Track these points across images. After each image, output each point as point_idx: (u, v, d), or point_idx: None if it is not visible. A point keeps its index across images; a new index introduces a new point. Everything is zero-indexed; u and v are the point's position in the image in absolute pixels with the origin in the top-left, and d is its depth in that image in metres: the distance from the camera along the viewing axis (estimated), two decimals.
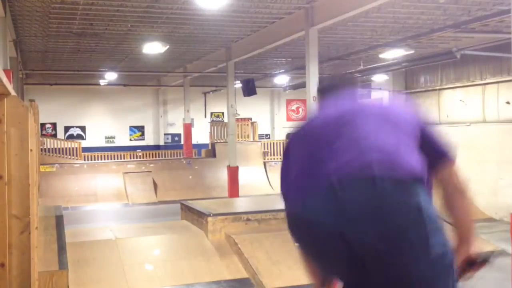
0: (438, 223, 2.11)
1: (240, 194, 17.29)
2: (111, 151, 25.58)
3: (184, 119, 23.73)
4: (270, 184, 21.04)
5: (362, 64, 18.21)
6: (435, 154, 2.23)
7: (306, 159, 2.17)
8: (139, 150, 26.20)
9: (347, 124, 2.13)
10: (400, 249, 1.93)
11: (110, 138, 27.32)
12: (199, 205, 10.96)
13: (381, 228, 1.90)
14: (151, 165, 20.41)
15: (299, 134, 2.48)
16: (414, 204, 1.97)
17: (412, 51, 15.27)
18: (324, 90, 2.60)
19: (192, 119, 25.02)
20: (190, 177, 20.44)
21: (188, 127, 23.59)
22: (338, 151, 2.03)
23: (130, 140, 27.74)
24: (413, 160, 2.07)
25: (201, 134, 27.49)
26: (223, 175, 19.66)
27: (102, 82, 24.38)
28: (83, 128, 26.87)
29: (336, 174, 1.97)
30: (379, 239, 1.91)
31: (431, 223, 2.04)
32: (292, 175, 2.23)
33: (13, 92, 3.47)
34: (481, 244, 10.82)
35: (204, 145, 25.83)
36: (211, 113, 28.84)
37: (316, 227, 2.02)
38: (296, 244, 2.42)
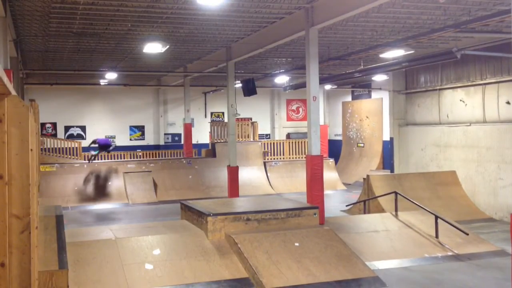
0: None
1: (240, 194, 17.29)
2: (111, 151, 25.53)
3: (184, 119, 23.73)
4: (270, 184, 21.04)
5: (362, 64, 18.21)
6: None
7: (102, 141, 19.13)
8: (139, 150, 26.20)
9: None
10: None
11: (110, 138, 27.28)
12: (199, 205, 10.96)
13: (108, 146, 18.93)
14: (151, 165, 20.40)
15: (99, 140, 19.24)
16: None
17: (412, 51, 15.26)
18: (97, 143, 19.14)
19: (192, 119, 25.00)
20: (190, 177, 20.44)
21: (188, 127, 23.59)
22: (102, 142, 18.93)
23: (130, 140, 27.74)
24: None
25: (201, 134, 27.49)
26: (223, 175, 19.66)
27: (102, 81, 24.38)
28: (83, 128, 26.87)
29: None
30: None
31: None
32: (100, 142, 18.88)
33: (13, 92, 3.47)
34: (481, 244, 10.83)
35: (204, 145, 25.84)
36: (211, 113, 28.85)
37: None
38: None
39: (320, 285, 8.44)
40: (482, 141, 16.06)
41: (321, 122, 23.85)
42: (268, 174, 21.53)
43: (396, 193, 12.70)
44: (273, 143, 25.10)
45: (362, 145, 25.50)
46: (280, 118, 29.80)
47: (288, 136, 28.73)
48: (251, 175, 21.01)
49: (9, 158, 3.35)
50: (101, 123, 27.08)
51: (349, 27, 13.54)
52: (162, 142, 27.97)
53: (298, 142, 24.99)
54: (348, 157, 26.34)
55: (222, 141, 22.46)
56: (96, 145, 18.58)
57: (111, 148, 18.72)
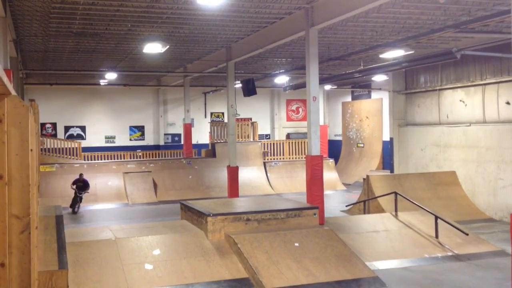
0: None
1: (240, 194, 17.29)
2: (111, 151, 25.58)
3: (184, 119, 23.74)
4: (270, 184, 21.04)
5: (362, 64, 18.21)
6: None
7: (75, 181, 16.95)
8: (139, 150, 26.21)
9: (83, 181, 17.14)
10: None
11: (110, 138, 27.32)
12: (199, 205, 10.96)
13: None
14: (151, 165, 20.41)
15: (76, 179, 17.12)
16: None
17: (412, 51, 15.26)
18: (80, 176, 17.25)
19: (192, 119, 25.01)
20: (190, 177, 20.44)
21: (188, 127, 23.59)
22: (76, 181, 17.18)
23: (130, 140, 27.74)
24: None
25: (201, 134, 27.49)
26: (223, 175, 19.66)
27: (102, 82, 24.38)
28: (83, 128, 26.88)
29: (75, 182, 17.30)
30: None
31: None
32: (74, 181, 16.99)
33: (13, 92, 3.47)
34: (480, 244, 10.82)
35: (204, 145, 25.83)
36: (211, 113, 28.85)
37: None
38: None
39: (320, 285, 8.45)
40: (482, 141, 16.06)
41: (321, 122, 23.84)
42: (268, 174, 21.54)
43: (396, 193, 12.71)
44: (273, 143, 25.11)
45: (362, 145, 25.50)
46: (280, 118, 29.80)
47: (288, 136, 28.73)
48: (251, 175, 21.01)
49: (9, 158, 3.35)
50: (101, 123, 27.08)
51: (349, 27, 13.54)
52: (162, 142, 27.98)
53: (298, 142, 25.00)
54: (348, 157, 26.34)
55: (222, 141, 22.46)
56: (81, 184, 17.01)
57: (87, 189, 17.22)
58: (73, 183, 17.11)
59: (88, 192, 17.24)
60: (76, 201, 16.83)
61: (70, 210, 16.68)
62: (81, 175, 17.39)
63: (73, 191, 17.02)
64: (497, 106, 15.82)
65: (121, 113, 27.39)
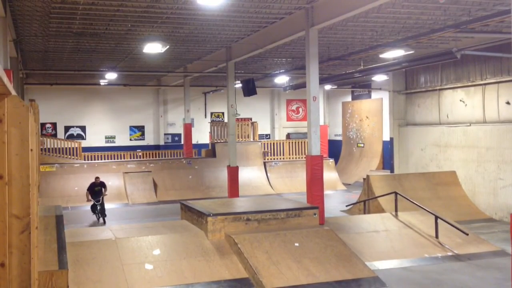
0: None
1: (240, 194, 17.29)
2: (111, 151, 25.58)
3: (184, 119, 23.74)
4: (270, 184, 21.04)
5: (362, 64, 18.21)
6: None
7: (91, 186, 15.09)
8: (139, 150, 26.21)
9: (100, 184, 15.33)
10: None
11: (110, 138, 27.32)
12: (199, 205, 10.96)
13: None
14: (151, 165, 20.41)
15: (91, 183, 15.25)
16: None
17: (412, 51, 15.26)
18: (96, 179, 15.42)
19: (192, 119, 25.01)
20: (190, 177, 20.44)
21: (188, 127, 23.59)
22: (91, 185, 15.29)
23: (130, 140, 27.74)
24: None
25: (201, 134, 27.49)
26: (223, 175, 19.65)
27: (102, 82, 24.39)
28: (83, 128, 26.87)
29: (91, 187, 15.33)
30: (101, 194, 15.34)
31: None
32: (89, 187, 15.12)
33: (13, 92, 3.47)
34: (481, 244, 10.84)
35: (204, 145, 25.84)
36: (211, 113, 28.85)
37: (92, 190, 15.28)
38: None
39: (320, 285, 8.44)
40: (482, 141, 16.06)
41: (321, 122, 23.84)
42: (268, 174, 21.54)
43: (396, 193, 12.71)
44: (273, 143, 25.10)
45: (362, 145, 25.50)
46: (280, 118, 29.80)
47: (288, 136, 28.73)
48: (251, 175, 21.00)
49: (9, 158, 3.35)
50: (101, 123, 27.08)
51: (349, 27, 13.54)
52: (162, 142, 27.98)
53: (298, 142, 25.00)
54: (348, 157, 26.33)
55: (222, 141, 22.46)
56: (99, 188, 15.15)
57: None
58: (89, 188, 15.09)
59: (106, 194, 15.22)
60: (95, 210, 14.98)
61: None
62: (97, 178, 15.44)
63: (88, 195, 14.97)
64: (497, 106, 15.82)
65: (121, 113, 27.39)
